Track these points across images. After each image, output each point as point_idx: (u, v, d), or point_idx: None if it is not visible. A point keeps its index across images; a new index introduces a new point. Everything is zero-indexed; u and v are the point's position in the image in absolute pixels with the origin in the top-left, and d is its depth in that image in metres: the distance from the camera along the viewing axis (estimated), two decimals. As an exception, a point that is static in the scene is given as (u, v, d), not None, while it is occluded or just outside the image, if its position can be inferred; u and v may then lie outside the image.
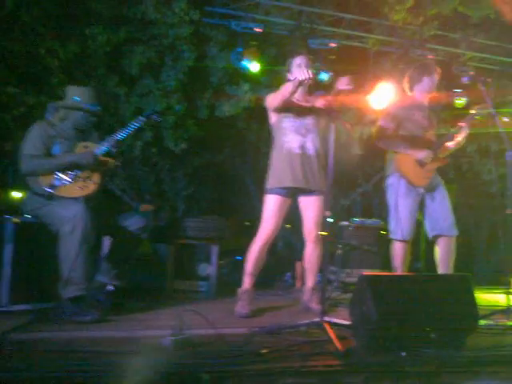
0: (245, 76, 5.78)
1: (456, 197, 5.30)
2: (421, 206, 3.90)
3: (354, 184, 7.56)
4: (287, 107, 3.51)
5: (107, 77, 5.44)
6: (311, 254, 3.58)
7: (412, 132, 3.88)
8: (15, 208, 3.39)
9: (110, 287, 3.40)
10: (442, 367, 2.26)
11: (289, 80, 3.54)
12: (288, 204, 3.58)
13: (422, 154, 3.79)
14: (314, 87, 3.35)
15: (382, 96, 5.75)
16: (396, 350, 2.34)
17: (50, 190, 3.12)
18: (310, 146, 3.54)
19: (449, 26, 6.18)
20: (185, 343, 2.40)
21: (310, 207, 3.57)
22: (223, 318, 3.21)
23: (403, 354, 2.33)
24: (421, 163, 3.80)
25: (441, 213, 3.83)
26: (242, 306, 3.35)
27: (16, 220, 3.19)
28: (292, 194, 3.57)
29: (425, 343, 2.40)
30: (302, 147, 3.52)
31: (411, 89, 4.05)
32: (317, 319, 2.72)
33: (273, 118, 3.64)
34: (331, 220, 4.98)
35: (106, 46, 5.26)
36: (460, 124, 3.90)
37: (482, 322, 3.12)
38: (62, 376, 1.95)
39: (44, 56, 5.03)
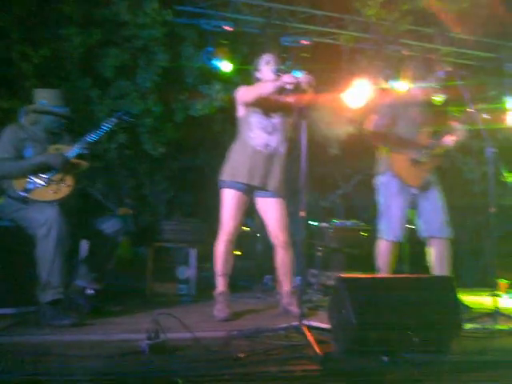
0: (218, 76, 5.76)
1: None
2: (413, 206, 3.81)
3: (334, 185, 7.56)
4: (258, 103, 3.45)
5: (81, 79, 5.37)
6: (282, 258, 3.53)
7: (406, 129, 3.77)
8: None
9: (90, 291, 3.35)
10: (424, 372, 2.22)
11: (257, 78, 3.54)
12: (246, 201, 3.50)
13: (417, 153, 3.70)
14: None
15: (358, 93, 5.79)
16: (377, 354, 2.29)
17: (23, 194, 3.09)
18: (275, 145, 3.48)
19: (424, 21, 6.13)
20: (160, 347, 2.36)
21: (270, 210, 3.52)
22: (202, 322, 3.17)
23: (385, 358, 2.27)
24: (415, 162, 3.72)
25: (433, 213, 3.75)
26: (219, 310, 3.31)
27: (-9, 224, 3.15)
28: (248, 191, 3.48)
29: (407, 347, 2.34)
30: (266, 145, 3.46)
31: (411, 83, 3.92)
32: (296, 323, 2.68)
33: (241, 111, 3.56)
34: (315, 223, 5.00)
35: (79, 48, 5.21)
36: (454, 125, 3.83)
37: (468, 326, 3.03)
38: (31, 379, 1.91)
39: (17, 60, 4.98)
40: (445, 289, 2.54)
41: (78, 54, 5.26)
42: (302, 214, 2.84)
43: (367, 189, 4.38)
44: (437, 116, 3.96)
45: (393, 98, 4.03)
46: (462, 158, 7.02)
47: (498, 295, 3.34)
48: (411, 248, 4.29)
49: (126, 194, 7.37)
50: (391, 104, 3.91)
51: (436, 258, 3.76)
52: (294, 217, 6.96)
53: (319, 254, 4.64)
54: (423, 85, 3.86)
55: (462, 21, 5.84)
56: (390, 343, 2.36)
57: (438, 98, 5.75)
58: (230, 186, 3.44)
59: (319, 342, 2.49)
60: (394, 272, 3.84)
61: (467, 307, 3.70)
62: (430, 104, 3.93)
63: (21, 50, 4.97)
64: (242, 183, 3.43)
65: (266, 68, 3.51)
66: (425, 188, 3.79)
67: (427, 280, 2.73)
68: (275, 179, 3.47)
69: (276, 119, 3.52)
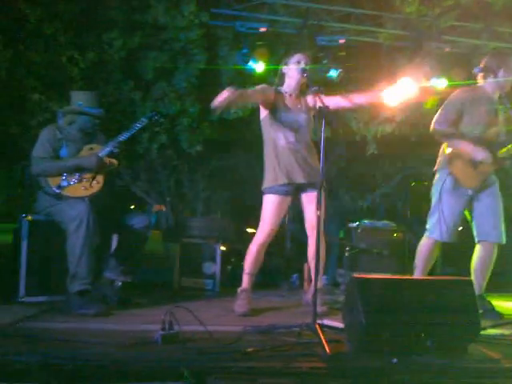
0: (253, 77, 5.81)
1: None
2: (469, 207, 3.66)
3: (373, 185, 7.48)
4: (276, 103, 3.52)
5: (123, 82, 5.58)
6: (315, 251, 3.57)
7: (473, 126, 3.58)
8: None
9: (118, 283, 3.52)
10: (433, 375, 2.18)
11: (282, 74, 3.60)
12: (288, 203, 3.55)
13: (480, 156, 3.51)
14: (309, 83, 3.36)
15: (398, 92, 5.68)
16: (387, 355, 2.25)
17: (57, 190, 3.32)
18: (303, 140, 3.53)
19: (469, 16, 5.84)
20: (173, 338, 2.47)
21: (310, 203, 3.52)
22: (221, 316, 3.28)
23: (395, 360, 2.22)
24: (475, 164, 3.54)
25: (487, 217, 3.59)
26: (240, 305, 3.39)
27: (30, 218, 3.43)
28: (291, 191, 3.53)
29: (419, 350, 2.31)
30: (296, 142, 3.50)
31: (484, 78, 3.69)
32: (309, 321, 2.71)
33: (263, 113, 3.60)
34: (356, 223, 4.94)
35: (121, 51, 5.41)
36: None
37: (493, 332, 2.94)
38: (43, 362, 2.04)
39: (65, 65, 5.26)
40: (463, 292, 2.48)
41: (119, 57, 5.46)
42: (319, 212, 2.85)
43: (408, 189, 4.31)
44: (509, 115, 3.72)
45: (464, 93, 3.77)
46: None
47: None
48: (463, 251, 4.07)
49: (167, 191, 7.60)
50: (461, 98, 3.69)
51: (479, 261, 3.63)
52: (331, 218, 6.98)
53: (347, 254, 4.63)
54: (496, 80, 3.63)
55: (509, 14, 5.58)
56: (402, 345, 2.34)
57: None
58: (273, 192, 3.49)
59: (334, 342, 2.53)
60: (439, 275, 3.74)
61: (499, 314, 3.57)
62: (502, 102, 3.70)
63: (69, 55, 5.25)
64: (284, 184, 3.48)
65: (294, 66, 3.55)
66: (481, 190, 3.61)
67: (444, 282, 2.65)
68: (312, 172, 3.49)
69: (300, 115, 3.57)
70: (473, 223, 3.69)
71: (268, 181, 3.53)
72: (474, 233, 3.68)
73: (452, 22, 5.83)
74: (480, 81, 3.76)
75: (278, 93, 3.60)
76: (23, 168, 6.14)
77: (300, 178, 3.49)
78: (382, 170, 7.53)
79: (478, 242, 3.66)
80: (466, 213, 3.71)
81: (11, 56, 4.94)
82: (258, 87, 3.54)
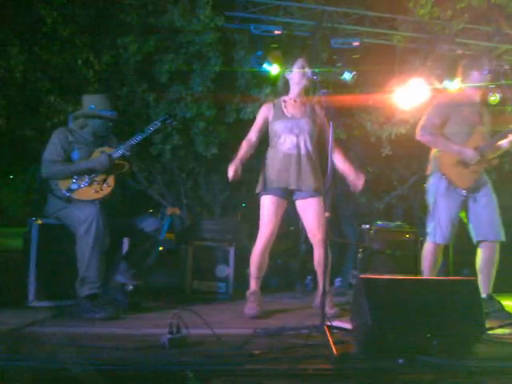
0: (268, 79, 5.81)
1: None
2: (465, 209, 3.72)
3: (390, 187, 7.39)
4: (276, 113, 3.58)
5: (138, 84, 5.61)
6: (319, 257, 3.55)
7: (458, 129, 3.68)
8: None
9: (129, 287, 3.53)
10: (439, 375, 2.18)
11: (285, 79, 3.67)
12: (284, 205, 3.58)
13: (469, 154, 3.60)
14: (318, 87, 3.36)
15: (412, 94, 5.64)
16: (394, 356, 2.26)
17: (67, 194, 3.31)
18: (304, 146, 3.53)
19: (480, 19, 5.88)
20: (180, 342, 2.46)
21: (307, 209, 3.55)
22: (232, 319, 3.27)
23: (400, 360, 2.24)
24: (465, 164, 3.62)
25: (485, 217, 3.64)
26: (250, 308, 3.39)
27: (40, 221, 3.41)
28: (287, 195, 3.56)
29: (426, 351, 2.30)
30: (296, 147, 3.51)
31: (463, 82, 3.83)
32: (318, 323, 2.70)
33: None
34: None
35: (136, 55, 5.45)
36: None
37: (502, 331, 2.96)
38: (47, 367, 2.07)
39: (80, 67, 5.31)
40: (468, 292, 2.48)
41: (135, 60, 5.50)
42: (327, 214, 2.83)
43: (424, 190, 4.27)
44: (494, 117, 3.86)
45: (445, 98, 3.95)
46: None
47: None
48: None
49: (184, 194, 7.60)
50: (443, 104, 3.83)
51: (484, 263, 3.67)
52: (347, 220, 6.91)
53: (360, 255, 4.58)
54: (476, 84, 3.75)
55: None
56: (408, 345, 2.33)
57: (493, 98, 5.51)
58: (269, 193, 3.53)
59: (343, 343, 2.53)
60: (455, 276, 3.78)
61: (508, 313, 3.58)
62: (486, 104, 3.85)
63: (84, 58, 5.29)
64: (280, 188, 3.50)
65: (297, 71, 3.60)
66: (475, 190, 3.68)
67: (450, 283, 2.66)
68: (310, 179, 3.50)
69: (302, 120, 3.56)
70: (470, 225, 3.74)
71: (266, 183, 3.55)
72: (472, 234, 3.73)
73: (464, 24, 5.85)
74: (462, 85, 3.87)
75: (278, 102, 3.68)
76: (34, 171, 6.21)
77: (295, 184, 3.49)
78: (397, 172, 7.44)
79: (478, 242, 3.71)
80: (462, 215, 3.76)
81: (26, 58, 4.97)
82: (252, 132, 3.66)
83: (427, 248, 3.71)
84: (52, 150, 3.42)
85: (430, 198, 3.74)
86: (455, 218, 3.67)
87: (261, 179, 3.60)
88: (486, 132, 3.77)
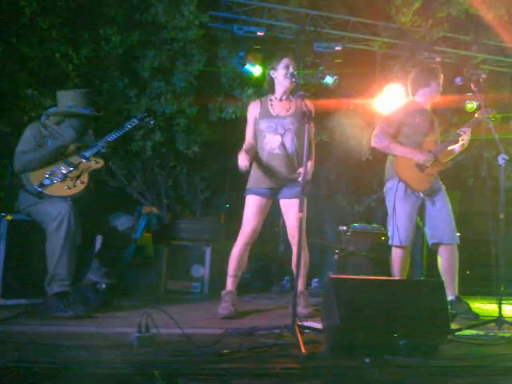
0: (251, 80, 5.81)
1: (460, 204, 5.17)
2: (421, 213, 3.83)
3: (370, 190, 7.43)
4: (262, 112, 3.57)
5: (119, 79, 5.55)
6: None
7: (411, 136, 3.82)
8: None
9: (101, 285, 3.48)
10: (405, 375, 2.20)
11: (271, 78, 3.63)
12: (268, 205, 3.57)
13: (422, 157, 3.72)
14: (296, 89, 3.36)
15: (390, 99, 5.70)
16: (361, 355, 2.28)
17: (39, 189, 3.21)
18: (289, 145, 3.53)
19: (460, 28, 6.04)
20: (149, 341, 2.43)
21: (290, 210, 3.55)
22: (205, 319, 3.25)
23: (367, 360, 2.26)
24: (420, 167, 3.74)
25: (440, 220, 3.76)
26: (223, 308, 3.36)
27: (9, 217, 3.31)
28: (272, 195, 3.56)
29: (392, 350, 2.33)
30: (281, 147, 3.51)
31: (414, 92, 3.99)
32: (289, 323, 2.69)
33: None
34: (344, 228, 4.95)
35: (119, 48, 5.39)
36: (461, 129, 3.85)
37: (470, 332, 3.04)
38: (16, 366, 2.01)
39: (59, 60, 5.22)
40: (434, 293, 2.51)
41: (117, 53, 5.44)
42: (301, 214, 2.83)
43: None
44: (445, 123, 3.99)
45: (397, 108, 4.09)
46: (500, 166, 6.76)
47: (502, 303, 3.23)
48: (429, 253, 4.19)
49: (164, 193, 7.54)
50: (396, 111, 3.99)
51: (445, 265, 3.77)
52: (328, 222, 6.91)
53: (336, 257, 4.60)
54: (428, 91, 3.91)
55: (499, 28, 5.70)
56: (376, 345, 2.35)
57: (470, 105, 5.60)
58: (254, 193, 3.52)
59: (313, 343, 2.54)
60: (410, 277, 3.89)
61: (475, 314, 3.68)
62: (441, 112, 4.07)
63: (63, 51, 5.19)
64: (265, 188, 3.50)
65: (282, 71, 3.57)
66: (432, 194, 3.80)
67: (417, 284, 2.70)
68: (295, 179, 3.47)
69: (286, 119, 3.55)
70: (425, 228, 3.86)
71: (250, 183, 3.56)
72: (427, 237, 3.85)
73: (444, 33, 6.01)
74: (412, 96, 4.01)
75: (265, 101, 3.66)
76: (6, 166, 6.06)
77: (280, 184, 3.51)
78: (377, 176, 7.49)
79: (432, 244, 3.83)
80: (418, 218, 3.87)
81: (3, 49, 4.85)
82: (248, 136, 3.65)
83: (394, 252, 3.80)
84: (24, 143, 3.34)
85: (388, 202, 3.83)
86: (414, 221, 3.78)
87: (250, 178, 3.58)
88: (437, 138, 3.95)
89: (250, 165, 3.43)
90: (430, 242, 3.82)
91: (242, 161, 3.33)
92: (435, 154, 3.76)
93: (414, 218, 3.78)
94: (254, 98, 5.81)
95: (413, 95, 4.00)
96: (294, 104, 3.61)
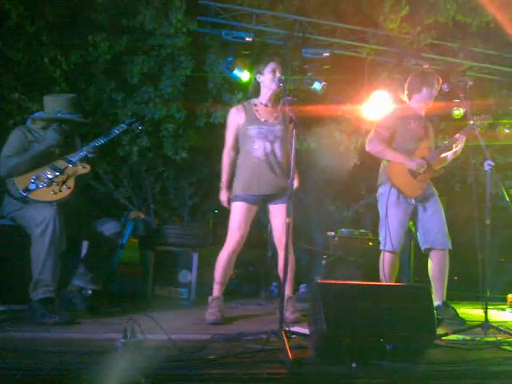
0: (240, 85, 5.82)
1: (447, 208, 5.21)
2: (413, 218, 3.84)
3: (358, 196, 7.47)
4: (249, 117, 3.54)
5: (105, 83, 5.53)
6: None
7: (405, 142, 3.81)
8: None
9: (87, 291, 3.44)
10: (392, 380, 2.20)
11: (257, 82, 3.62)
12: (254, 211, 3.56)
13: (415, 164, 3.72)
14: (283, 94, 3.35)
15: (378, 105, 5.75)
16: (348, 361, 2.26)
17: (24, 194, 3.16)
18: (278, 152, 3.52)
19: (447, 36, 6.11)
20: (135, 347, 2.40)
21: (277, 215, 3.54)
22: (192, 325, 3.23)
23: (354, 365, 2.25)
24: (413, 173, 3.74)
25: (433, 225, 3.77)
26: (210, 313, 3.34)
27: (-8, 222, 3.25)
28: (259, 201, 3.54)
29: (379, 355, 2.33)
30: (271, 153, 3.50)
31: (409, 97, 3.98)
32: (276, 328, 2.68)
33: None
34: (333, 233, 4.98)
35: (107, 54, 5.37)
36: (455, 136, 3.86)
37: (456, 337, 3.06)
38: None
39: (47, 65, 5.19)
40: (421, 298, 2.51)
41: (104, 60, 5.42)
42: (288, 220, 2.82)
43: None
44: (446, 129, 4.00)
45: (391, 113, 4.09)
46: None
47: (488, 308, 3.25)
48: (417, 258, 4.21)
49: (152, 199, 7.51)
50: (391, 117, 3.97)
51: (435, 271, 3.79)
52: (317, 227, 6.93)
53: (324, 262, 4.61)
54: (421, 97, 3.91)
55: (485, 35, 5.76)
56: (362, 350, 2.35)
57: (457, 112, 5.66)
58: (241, 199, 3.49)
59: (300, 348, 2.54)
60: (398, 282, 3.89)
61: (462, 320, 3.71)
62: (430, 118, 4.02)
63: (51, 56, 5.17)
64: (253, 195, 3.48)
65: (268, 75, 3.55)
66: (424, 200, 3.81)
67: (404, 289, 2.71)
68: (283, 185, 3.47)
69: (276, 126, 3.54)
70: (418, 233, 3.87)
71: (237, 189, 3.52)
72: (420, 242, 3.86)
73: (431, 40, 6.07)
74: (407, 100, 4.02)
75: (249, 106, 3.62)
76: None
77: (268, 191, 3.49)
78: (365, 181, 7.53)
79: (425, 250, 3.84)
80: (410, 223, 3.88)
81: (-13, 52, 4.80)
82: (228, 143, 3.62)
83: (385, 257, 3.79)
84: (10, 147, 3.29)
85: (381, 208, 3.83)
86: (406, 227, 3.79)
87: (236, 184, 3.55)
88: (431, 145, 3.95)
89: (234, 171, 3.46)
90: (423, 247, 3.83)
91: (223, 203, 3.57)
92: (428, 161, 3.76)
93: (406, 223, 3.79)
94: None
95: (408, 100, 4.00)
96: (280, 110, 3.60)
